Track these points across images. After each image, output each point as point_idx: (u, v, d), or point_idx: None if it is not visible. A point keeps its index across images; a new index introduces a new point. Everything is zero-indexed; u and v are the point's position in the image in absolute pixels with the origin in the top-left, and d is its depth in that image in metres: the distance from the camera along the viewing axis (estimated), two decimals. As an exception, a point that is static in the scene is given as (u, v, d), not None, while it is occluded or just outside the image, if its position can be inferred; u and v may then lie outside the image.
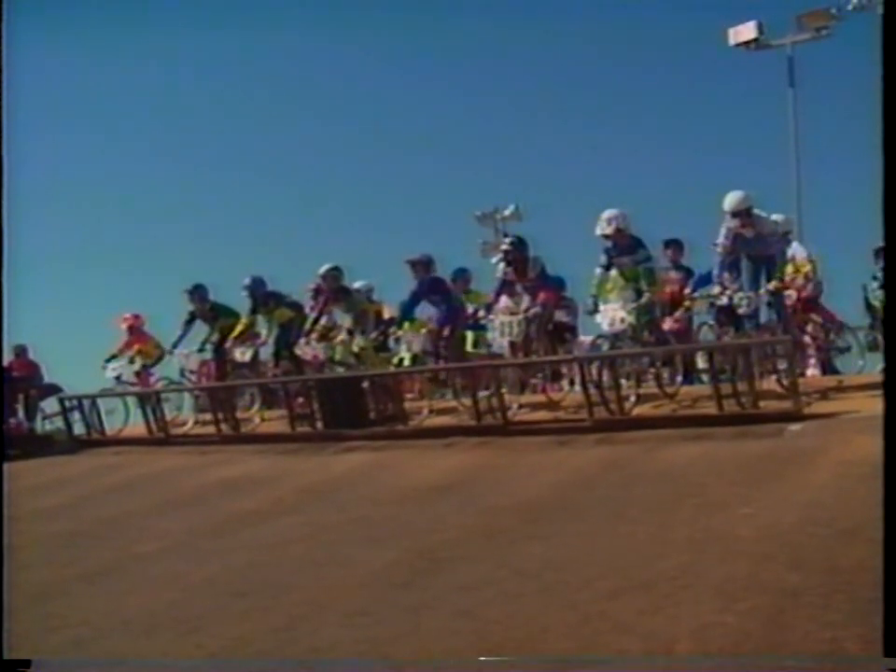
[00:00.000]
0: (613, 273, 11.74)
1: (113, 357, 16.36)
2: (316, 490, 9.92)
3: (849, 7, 24.94)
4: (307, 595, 6.54)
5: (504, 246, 12.69)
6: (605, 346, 11.42)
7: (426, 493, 9.05)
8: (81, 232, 38.83)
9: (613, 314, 11.17)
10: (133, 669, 5.09)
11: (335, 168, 41.05)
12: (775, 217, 13.43)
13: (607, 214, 11.54)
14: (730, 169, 34.85)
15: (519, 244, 12.58)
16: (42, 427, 17.14)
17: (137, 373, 16.34)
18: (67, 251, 36.25)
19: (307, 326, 14.16)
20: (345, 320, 13.99)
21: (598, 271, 11.75)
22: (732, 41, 26.34)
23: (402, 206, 39.80)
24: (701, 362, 11.77)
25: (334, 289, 14.11)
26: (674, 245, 14.05)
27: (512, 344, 12.17)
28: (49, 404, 17.13)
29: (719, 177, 35.18)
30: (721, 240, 11.29)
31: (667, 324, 12.63)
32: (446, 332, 13.07)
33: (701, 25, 28.90)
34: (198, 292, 15.67)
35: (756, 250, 11.16)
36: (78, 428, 16.02)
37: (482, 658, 4.65)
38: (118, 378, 16.19)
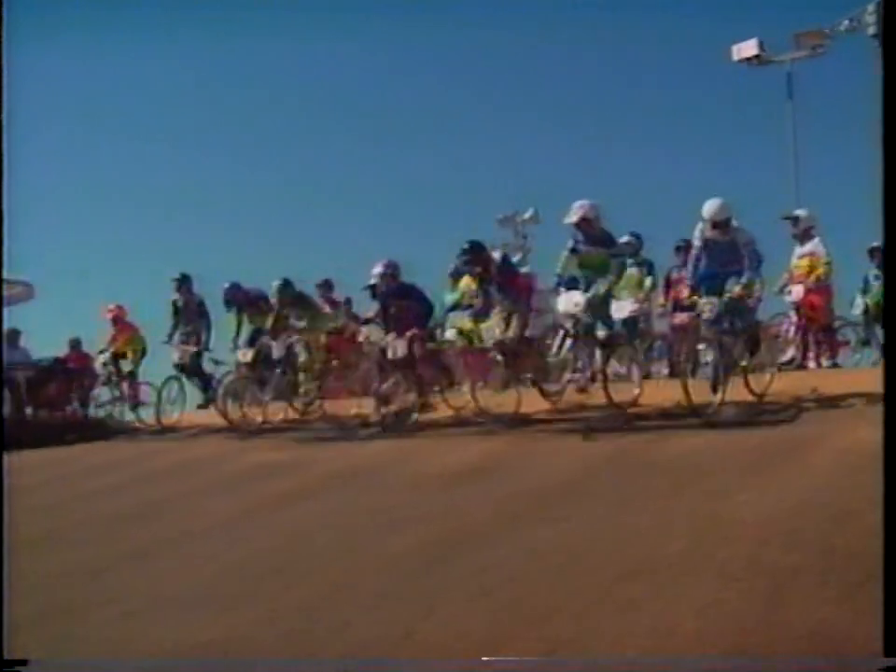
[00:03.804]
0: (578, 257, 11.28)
1: (102, 351, 15.89)
2: (343, 476, 9.85)
3: (842, 28, 25.15)
4: (334, 576, 6.54)
5: (464, 258, 11.86)
6: (568, 324, 10.94)
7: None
8: (85, 231, 38.11)
9: (569, 295, 10.75)
10: (132, 669, 5.01)
11: (360, 173, 40.69)
12: (798, 212, 13.41)
13: (576, 204, 11.12)
14: (733, 177, 34.71)
15: (476, 247, 11.71)
16: (96, 413, 17.06)
17: (129, 373, 15.73)
18: (71, 250, 35.62)
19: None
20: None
21: (565, 253, 11.30)
22: (735, 57, 26.49)
23: (430, 209, 39.54)
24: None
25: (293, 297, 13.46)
26: (683, 247, 14.01)
27: (499, 344, 11.42)
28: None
29: (724, 184, 35.02)
30: (695, 243, 10.77)
31: (677, 319, 12.48)
32: (417, 334, 12.07)
33: (707, 42, 28.78)
34: (185, 284, 14.82)
35: (726, 258, 10.45)
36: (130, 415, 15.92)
37: (484, 658, 4.55)
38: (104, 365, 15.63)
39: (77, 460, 13.23)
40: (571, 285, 11.06)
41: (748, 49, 26.31)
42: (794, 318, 12.89)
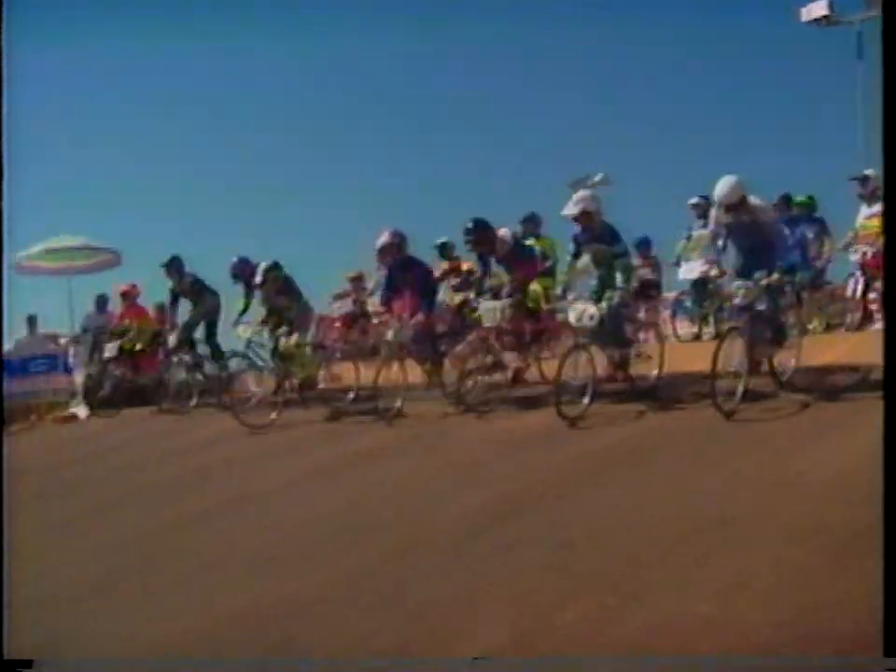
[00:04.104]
0: (585, 258, 10.07)
1: (113, 334, 14.80)
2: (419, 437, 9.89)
3: (914, -14, 24.57)
4: (411, 530, 6.67)
5: (468, 237, 10.88)
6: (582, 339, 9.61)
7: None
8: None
9: (583, 307, 9.45)
10: (134, 669, 5.05)
11: (439, 133, 40.10)
12: (867, 172, 13.17)
13: (576, 196, 10.02)
14: (802, 137, 34.18)
15: (480, 226, 10.80)
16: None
17: (138, 351, 14.52)
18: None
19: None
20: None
21: (567, 259, 10.15)
22: (804, 18, 26.07)
23: (504, 175, 39.08)
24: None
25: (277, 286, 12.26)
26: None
27: (499, 330, 10.46)
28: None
29: (792, 144, 34.49)
30: (710, 226, 9.71)
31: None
32: (420, 319, 11.10)
33: (775, 3, 28.26)
34: (174, 266, 13.87)
35: (752, 239, 9.26)
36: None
37: (484, 658, 4.57)
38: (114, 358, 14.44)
39: (156, 420, 13.40)
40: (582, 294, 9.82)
41: (817, 9, 25.87)
42: (861, 278, 12.74)
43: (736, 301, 9.01)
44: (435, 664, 4.62)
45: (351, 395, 11.94)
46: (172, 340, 13.64)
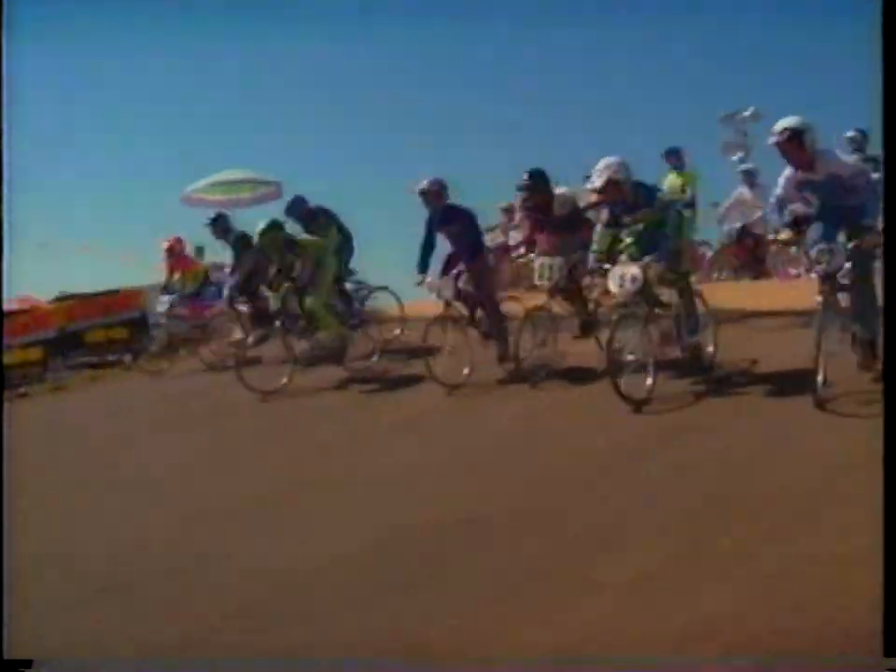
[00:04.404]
0: (628, 232, 8.68)
1: (165, 288, 14.57)
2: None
3: None
4: (544, 460, 6.89)
5: (523, 184, 9.74)
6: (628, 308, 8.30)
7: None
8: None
9: (622, 270, 8.15)
10: (135, 669, 4.96)
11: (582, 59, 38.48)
12: None
13: (600, 164, 8.51)
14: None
15: (535, 176, 9.66)
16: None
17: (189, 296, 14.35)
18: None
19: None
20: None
21: (599, 227, 8.76)
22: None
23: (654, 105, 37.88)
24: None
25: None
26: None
27: (553, 289, 9.33)
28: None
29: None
30: (777, 190, 8.01)
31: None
32: (471, 271, 9.94)
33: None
34: (219, 223, 13.47)
35: (827, 196, 7.71)
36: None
37: (490, 659, 4.40)
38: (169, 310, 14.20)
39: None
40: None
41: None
42: None
43: (819, 267, 7.47)
44: (440, 666, 4.49)
45: (375, 357, 11.24)
46: (225, 293, 13.39)
